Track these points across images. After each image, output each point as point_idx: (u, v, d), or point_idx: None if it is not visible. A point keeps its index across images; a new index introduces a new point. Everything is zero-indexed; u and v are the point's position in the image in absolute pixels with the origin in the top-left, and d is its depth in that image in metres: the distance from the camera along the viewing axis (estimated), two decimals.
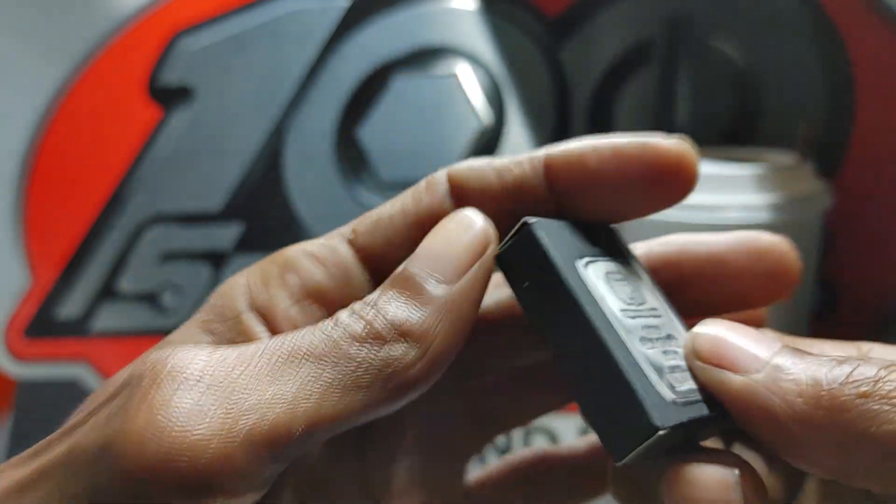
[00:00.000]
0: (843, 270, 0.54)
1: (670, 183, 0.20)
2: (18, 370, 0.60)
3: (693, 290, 0.22)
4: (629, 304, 0.19)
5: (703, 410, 0.18)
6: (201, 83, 0.59)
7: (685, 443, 0.19)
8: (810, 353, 0.18)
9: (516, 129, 0.58)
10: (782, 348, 0.18)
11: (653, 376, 0.18)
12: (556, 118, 0.58)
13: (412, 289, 0.19)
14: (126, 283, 0.60)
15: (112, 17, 0.58)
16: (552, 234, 0.19)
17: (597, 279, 0.19)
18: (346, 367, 0.17)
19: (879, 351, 0.20)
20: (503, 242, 0.20)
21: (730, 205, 0.44)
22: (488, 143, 0.58)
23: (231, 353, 0.18)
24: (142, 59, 0.58)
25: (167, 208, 0.59)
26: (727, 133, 0.57)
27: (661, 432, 0.16)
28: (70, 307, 0.60)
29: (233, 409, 0.17)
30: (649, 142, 0.19)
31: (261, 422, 0.16)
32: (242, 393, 0.17)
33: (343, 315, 0.18)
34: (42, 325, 0.60)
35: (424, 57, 0.58)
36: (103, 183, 0.59)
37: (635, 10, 0.57)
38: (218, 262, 0.60)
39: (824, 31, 0.54)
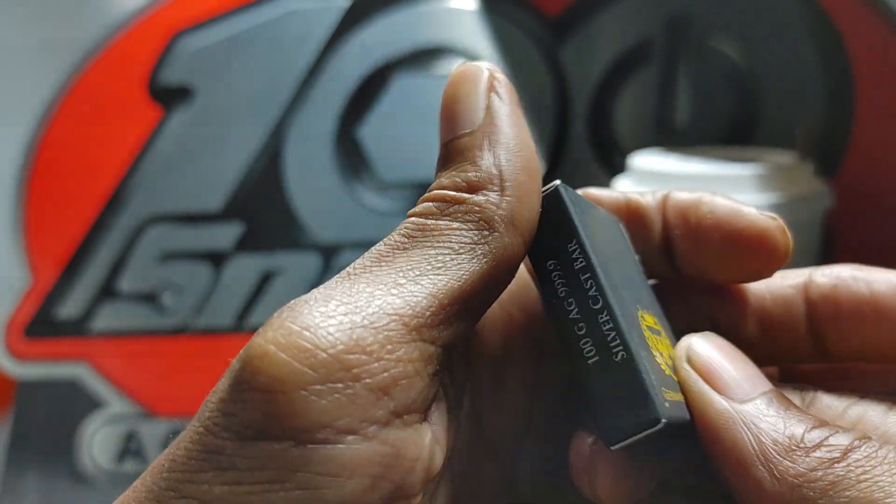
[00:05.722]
0: None
1: (753, 255, 0.20)
2: (18, 370, 0.60)
3: (845, 330, 0.20)
4: (634, 297, 0.20)
5: (685, 414, 0.18)
6: (201, 83, 0.59)
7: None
8: (795, 406, 0.18)
9: None
10: (771, 391, 0.18)
11: (652, 370, 0.18)
12: (556, 118, 0.58)
13: (456, 158, 0.18)
14: (126, 283, 0.60)
15: (112, 17, 0.58)
16: (578, 205, 0.19)
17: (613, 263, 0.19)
18: (439, 240, 0.17)
19: (875, 413, 0.19)
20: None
21: None
22: None
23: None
24: (142, 59, 0.58)
25: (167, 208, 0.59)
26: (727, 133, 0.57)
27: (660, 425, 0.17)
28: (70, 307, 0.60)
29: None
30: (745, 214, 0.20)
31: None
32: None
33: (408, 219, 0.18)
34: (42, 324, 0.60)
35: (424, 57, 0.58)
36: (103, 183, 0.59)
37: (635, 10, 0.57)
38: (217, 262, 0.60)
39: (824, 31, 0.54)
